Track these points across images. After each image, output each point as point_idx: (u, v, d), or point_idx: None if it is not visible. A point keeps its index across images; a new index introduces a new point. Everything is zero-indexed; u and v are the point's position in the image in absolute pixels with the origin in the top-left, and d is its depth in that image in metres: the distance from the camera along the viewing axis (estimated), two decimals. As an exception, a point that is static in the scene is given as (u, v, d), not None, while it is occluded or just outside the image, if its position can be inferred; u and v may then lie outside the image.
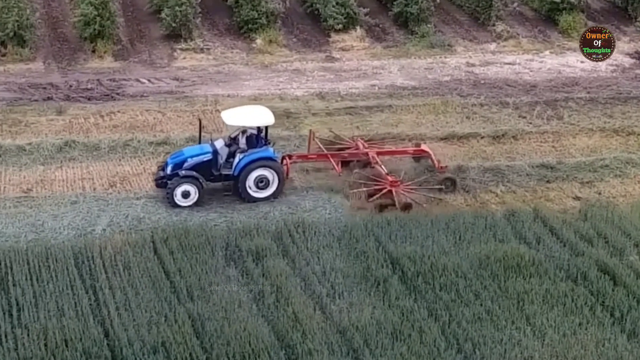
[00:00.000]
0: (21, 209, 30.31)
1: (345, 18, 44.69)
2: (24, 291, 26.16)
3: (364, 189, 31.57)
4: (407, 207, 30.92)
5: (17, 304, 25.63)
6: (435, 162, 32.90)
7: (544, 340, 25.71)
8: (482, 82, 41.45)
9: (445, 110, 38.51)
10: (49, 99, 37.05)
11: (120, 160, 33.58)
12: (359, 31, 44.75)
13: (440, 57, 43.72)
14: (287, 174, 32.05)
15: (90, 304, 25.82)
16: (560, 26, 46.77)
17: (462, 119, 38.03)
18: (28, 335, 24.54)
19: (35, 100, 36.87)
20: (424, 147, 33.72)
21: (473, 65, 43.22)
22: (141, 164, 33.19)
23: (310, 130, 33.70)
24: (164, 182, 30.94)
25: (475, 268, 28.30)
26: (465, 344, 25.34)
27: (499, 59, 43.98)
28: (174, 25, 42.83)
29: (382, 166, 32.11)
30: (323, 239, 29.20)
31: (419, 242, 29.33)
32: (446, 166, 32.94)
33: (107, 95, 37.56)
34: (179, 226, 29.52)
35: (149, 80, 39.17)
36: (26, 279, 26.65)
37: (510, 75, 42.43)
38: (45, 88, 37.94)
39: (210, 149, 31.31)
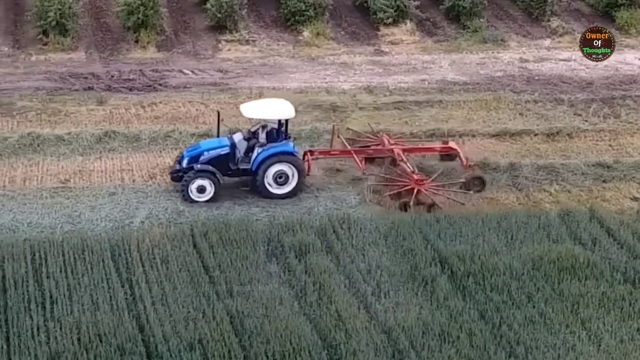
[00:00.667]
0: (58, 200, 29.62)
1: (395, 11, 43.67)
2: (57, 284, 25.36)
3: (384, 184, 30.54)
4: (431, 206, 29.87)
5: (51, 297, 24.82)
6: (464, 160, 31.67)
7: (599, 345, 24.41)
8: (536, 78, 40.16)
9: (497, 107, 37.27)
10: (90, 88, 36.46)
11: (160, 151, 32.72)
12: (409, 25, 43.72)
13: (493, 53, 42.48)
14: (309, 170, 30.79)
15: (126, 298, 25.01)
16: (617, 22, 45.30)
17: (515, 116, 36.78)
18: (61, 329, 23.71)
19: (76, 90, 36.24)
20: (451, 144, 32.50)
21: (527, 61, 41.94)
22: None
23: (333, 126, 32.61)
24: (180, 176, 29.84)
25: (528, 269, 27.04)
26: (517, 347, 24.10)
27: (554, 55, 42.64)
28: (219, 16, 42.05)
29: (408, 163, 30.95)
30: (369, 236, 28.14)
31: (469, 240, 28.19)
32: (475, 165, 31.73)
33: (150, 86, 36.83)
34: (219, 220, 28.60)
35: (192, 72, 38.44)
36: (61, 271, 25.85)
37: (565, 71, 41.04)
38: (86, 78, 37.31)
39: (228, 143, 30.14)
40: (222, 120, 31.10)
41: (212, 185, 29.62)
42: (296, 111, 34.73)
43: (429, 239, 28.18)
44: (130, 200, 29.86)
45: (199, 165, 29.61)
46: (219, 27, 42.17)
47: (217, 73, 38.52)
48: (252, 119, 30.84)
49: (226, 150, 30.07)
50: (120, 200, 29.75)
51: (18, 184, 30.44)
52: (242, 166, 30.11)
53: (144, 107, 35.34)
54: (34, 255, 26.47)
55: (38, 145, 32.54)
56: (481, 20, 44.54)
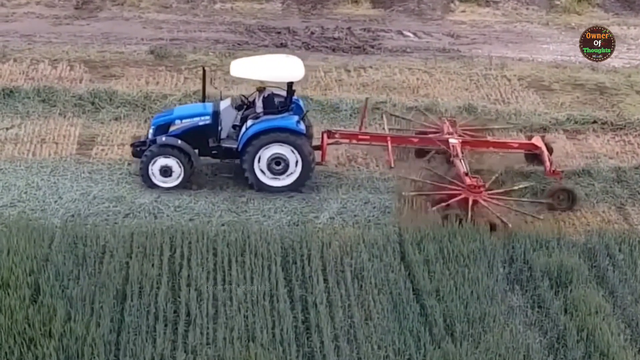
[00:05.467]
0: (222, 179, 23.34)
1: (687, -25, 36.30)
2: (201, 295, 18.74)
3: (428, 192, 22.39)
4: (491, 227, 21.34)
5: (188, 315, 18.49)
6: (547, 164, 23.15)
7: None
8: None
9: None
10: (283, 45, 31.11)
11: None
12: None
13: None
14: (323, 157, 23.45)
15: (296, 326, 18.31)
16: None
17: None
18: (194, 364, 17.18)
19: (265, 46, 30.85)
20: (535, 140, 24.06)
21: None
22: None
23: (367, 99, 25.08)
24: (142, 150, 23.10)
25: None
26: None
27: None
28: (453, -30, 36.44)
29: (464, 162, 22.96)
30: (661, 265, 20.50)
31: None
32: (562, 172, 23.43)
33: (359, 47, 31.35)
34: (440, 224, 21.22)
35: (414, 34, 32.82)
36: (208, 277, 19.35)
37: None
38: (279, 33, 32.15)
39: (210, 110, 23.19)
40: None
41: (182, 167, 22.64)
42: (550, 89, 28.35)
43: None
44: (319, 188, 23.14)
45: (164, 138, 22.73)
46: (453, -17, 36.84)
47: (446, 37, 32.57)
48: (244, 79, 24.42)
49: (206, 120, 23.03)
50: (305, 187, 23.15)
51: (171, 154, 24.59)
52: (227, 144, 23.04)
53: (349, 72, 29.33)
54: (174, 251, 20.25)
55: (204, 108, 26.31)
56: None
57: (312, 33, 32.40)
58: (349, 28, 32.78)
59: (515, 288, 19.67)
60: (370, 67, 29.62)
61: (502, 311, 18.85)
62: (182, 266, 19.50)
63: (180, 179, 22.49)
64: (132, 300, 18.36)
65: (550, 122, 25.86)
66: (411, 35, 32.73)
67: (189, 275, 19.23)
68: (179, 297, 18.65)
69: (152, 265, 19.39)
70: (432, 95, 27.82)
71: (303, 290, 19.21)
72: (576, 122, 26.28)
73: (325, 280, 19.49)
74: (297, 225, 21.49)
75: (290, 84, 22.66)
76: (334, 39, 32.01)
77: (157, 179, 22.48)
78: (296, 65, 23.15)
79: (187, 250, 19.97)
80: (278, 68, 23.25)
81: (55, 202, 21.73)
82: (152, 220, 21.19)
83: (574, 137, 25.71)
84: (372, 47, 31.42)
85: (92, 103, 26.01)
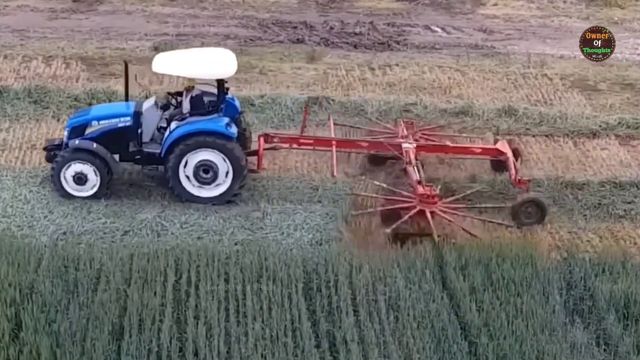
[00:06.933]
0: None
1: None
2: (211, 329, 16.24)
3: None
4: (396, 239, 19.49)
5: (196, 354, 16.18)
6: (512, 171, 21.16)
7: None
8: None
9: None
10: (299, 41, 29.46)
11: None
12: None
13: None
14: (260, 164, 21.48)
15: None
16: None
17: None
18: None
19: (280, 42, 29.27)
20: (500, 145, 21.94)
21: None
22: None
23: (308, 99, 24.62)
24: (55, 155, 21.34)
25: None
26: None
27: None
28: (485, -38, 34.30)
29: (419, 169, 21.06)
30: None
31: None
32: (528, 181, 21.19)
33: (383, 43, 29.53)
34: (491, 243, 18.75)
35: (443, 29, 30.99)
36: (219, 308, 17.00)
37: None
38: (295, 27, 30.49)
39: (131, 111, 21.38)
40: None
41: (98, 174, 20.77)
42: (597, 90, 26.22)
43: None
44: (343, 199, 20.66)
45: (77, 142, 20.90)
46: (485, -25, 34.87)
47: (478, 33, 30.62)
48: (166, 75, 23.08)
49: (126, 121, 21.18)
50: (323, 197, 20.99)
51: (177, 163, 22.37)
52: (149, 149, 21.15)
53: (373, 70, 27.52)
54: (180, 276, 17.81)
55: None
56: None
57: (332, 28, 30.89)
58: (371, 22, 31.19)
59: (575, 321, 17.08)
60: (397, 64, 27.80)
61: (563, 349, 16.23)
62: (189, 294, 17.16)
63: (96, 188, 20.39)
64: (130, 337, 16.13)
65: (600, 126, 23.54)
66: (439, 30, 31.08)
67: (197, 306, 16.97)
68: (185, 332, 16.49)
69: (154, 293, 17.12)
70: (466, 96, 25.74)
71: (330, 324, 16.77)
72: (629, 127, 23.89)
73: (356, 311, 17.20)
74: (321, 244, 19.12)
75: (220, 81, 20.46)
76: (356, 34, 30.48)
77: (71, 187, 20.42)
78: (227, 60, 21.09)
79: (195, 275, 17.60)
80: (206, 63, 21.26)
81: (45, 217, 19.71)
82: (154, 239, 19.05)
83: (627, 143, 23.33)
84: (398, 43, 29.67)
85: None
